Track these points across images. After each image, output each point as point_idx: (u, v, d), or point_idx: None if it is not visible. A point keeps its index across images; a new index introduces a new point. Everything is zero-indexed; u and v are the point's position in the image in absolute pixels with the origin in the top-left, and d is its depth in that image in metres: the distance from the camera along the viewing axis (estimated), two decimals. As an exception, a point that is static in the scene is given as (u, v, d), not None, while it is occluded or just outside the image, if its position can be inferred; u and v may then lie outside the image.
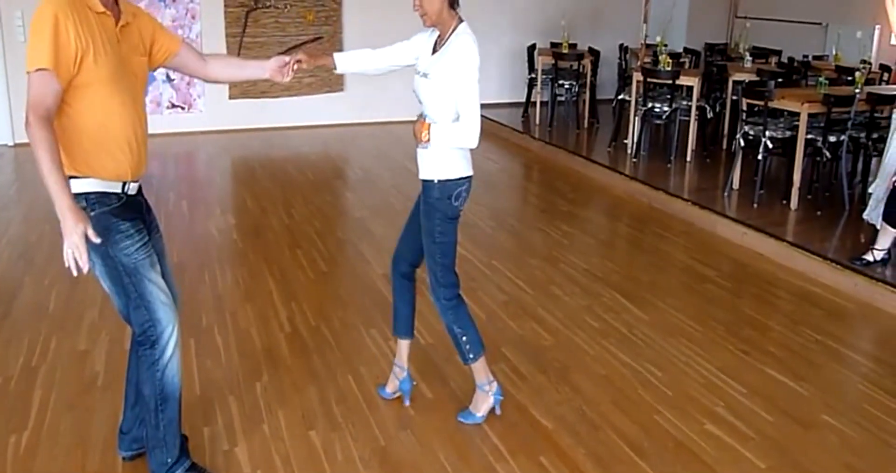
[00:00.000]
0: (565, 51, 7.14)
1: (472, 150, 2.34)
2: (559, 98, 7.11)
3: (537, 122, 7.20)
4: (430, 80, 2.27)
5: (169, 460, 2.13)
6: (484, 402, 2.52)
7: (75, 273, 1.80)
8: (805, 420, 2.58)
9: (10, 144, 6.33)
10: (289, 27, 7.22)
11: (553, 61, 7.01)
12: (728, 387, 2.78)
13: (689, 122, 5.80)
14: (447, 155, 2.30)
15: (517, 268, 3.90)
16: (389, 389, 2.66)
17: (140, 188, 2.12)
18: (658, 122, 5.90)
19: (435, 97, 2.27)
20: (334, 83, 7.41)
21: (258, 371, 2.85)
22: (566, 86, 7.02)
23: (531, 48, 7.48)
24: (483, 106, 2.30)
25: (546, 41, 7.86)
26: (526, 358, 2.96)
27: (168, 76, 6.86)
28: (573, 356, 2.99)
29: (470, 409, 2.53)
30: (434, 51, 2.32)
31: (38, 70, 1.81)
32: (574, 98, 7.09)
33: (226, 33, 6.97)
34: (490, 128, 7.18)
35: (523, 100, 7.56)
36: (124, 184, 2.03)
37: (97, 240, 1.83)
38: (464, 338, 2.44)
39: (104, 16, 1.93)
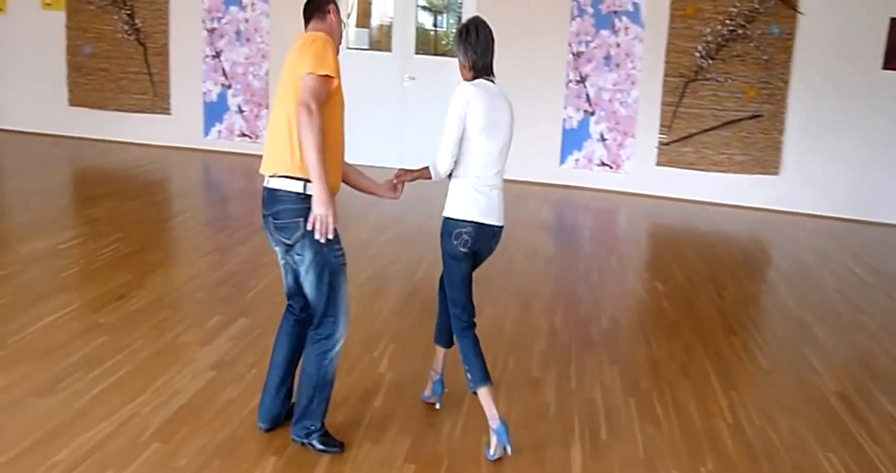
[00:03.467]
0: None
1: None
2: None
3: None
4: None
5: (312, 427, 2.55)
6: (491, 437, 2.62)
7: (317, 236, 2.32)
8: None
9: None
10: (727, 101, 7.10)
11: None
12: None
13: None
14: (452, 195, 2.62)
15: None
16: (426, 392, 2.94)
17: None
18: None
19: None
20: (768, 165, 7.03)
21: (701, 455, 2.75)
22: None
23: None
24: None
25: None
26: None
27: (602, 136, 7.32)
28: None
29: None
30: None
31: (325, 75, 2.33)
32: None
33: (661, 101, 7.16)
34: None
35: None
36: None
37: (323, 240, 2.33)
38: (465, 367, 2.65)
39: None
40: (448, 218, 2.61)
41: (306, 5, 2.60)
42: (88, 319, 3.53)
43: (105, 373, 3.03)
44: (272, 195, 2.41)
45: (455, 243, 2.58)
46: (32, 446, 2.52)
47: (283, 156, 2.37)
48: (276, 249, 2.55)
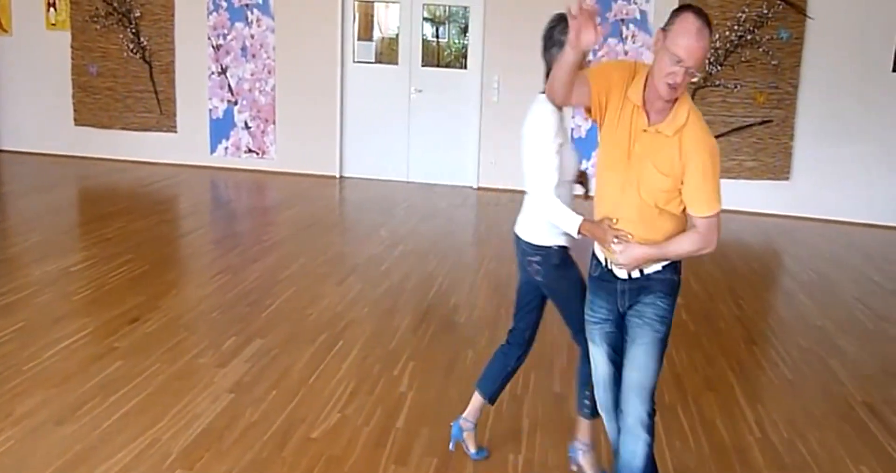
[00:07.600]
0: None
1: None
2: None
3: None
4: None
5: None
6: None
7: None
8: None
9: (475, 186, 7.38)
10: (736, 108, 7.06)
11: None
12: None
13: None
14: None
15: None
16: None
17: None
18: None
19: None
20: (779, 171, 6.98)
21: (731, 471, 2.70)
22: None
23: None
24: None
25: None
26: None
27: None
28: None
29: None
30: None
31: None
32: None
33: (670, 109, 7.14)
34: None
35: None
36: None
37: None
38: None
39: (638, 108, 2.09)
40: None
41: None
42: (103, 343, 3.49)
43: (123, 398, 2.99)
44: None
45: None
46: (54, 475, 2.48)
47: None
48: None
